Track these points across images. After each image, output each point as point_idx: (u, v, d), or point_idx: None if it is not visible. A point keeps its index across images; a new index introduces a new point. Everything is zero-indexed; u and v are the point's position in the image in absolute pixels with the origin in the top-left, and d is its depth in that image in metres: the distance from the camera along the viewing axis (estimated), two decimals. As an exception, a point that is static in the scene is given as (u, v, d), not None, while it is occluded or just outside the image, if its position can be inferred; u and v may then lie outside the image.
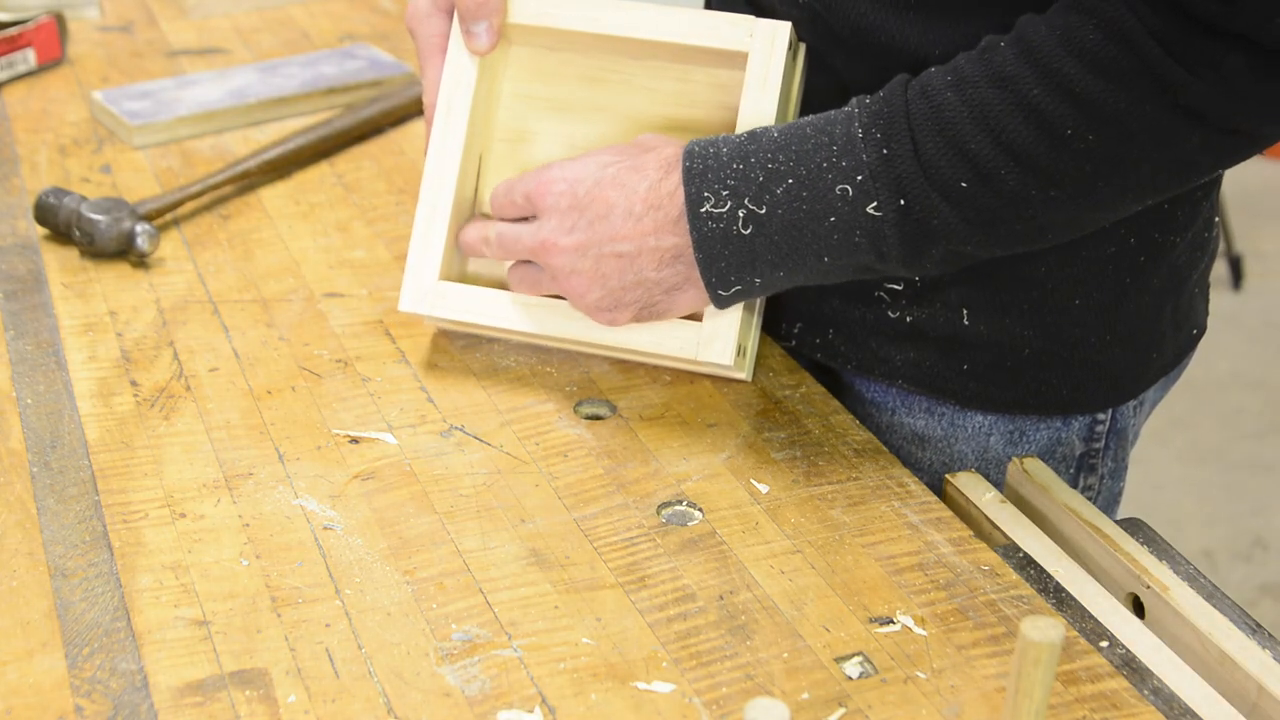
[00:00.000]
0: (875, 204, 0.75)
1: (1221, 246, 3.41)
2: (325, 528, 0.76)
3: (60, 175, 1.15)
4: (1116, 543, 0.78)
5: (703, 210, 0.78)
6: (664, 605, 0.72)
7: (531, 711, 0.65)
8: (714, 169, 0.78)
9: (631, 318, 0.84)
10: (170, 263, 1.02)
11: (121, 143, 1.21)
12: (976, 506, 0.82)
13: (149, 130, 1.20)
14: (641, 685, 0.67)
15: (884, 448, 0.84)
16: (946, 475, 0.85)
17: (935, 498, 0.81)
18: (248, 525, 0.76)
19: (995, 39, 0.75)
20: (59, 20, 1.36)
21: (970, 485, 0.84)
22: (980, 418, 0.91)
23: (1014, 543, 0.79)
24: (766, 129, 0.79)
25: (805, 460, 0.83)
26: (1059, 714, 0.66)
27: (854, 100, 0.78)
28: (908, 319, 0.88)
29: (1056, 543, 0.79)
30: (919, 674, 0.68)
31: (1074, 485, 0.94)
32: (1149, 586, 0.75)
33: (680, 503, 0.79)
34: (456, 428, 0.85)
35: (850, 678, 0.68)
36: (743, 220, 0.77)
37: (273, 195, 1.12)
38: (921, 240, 0.75)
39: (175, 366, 0.90)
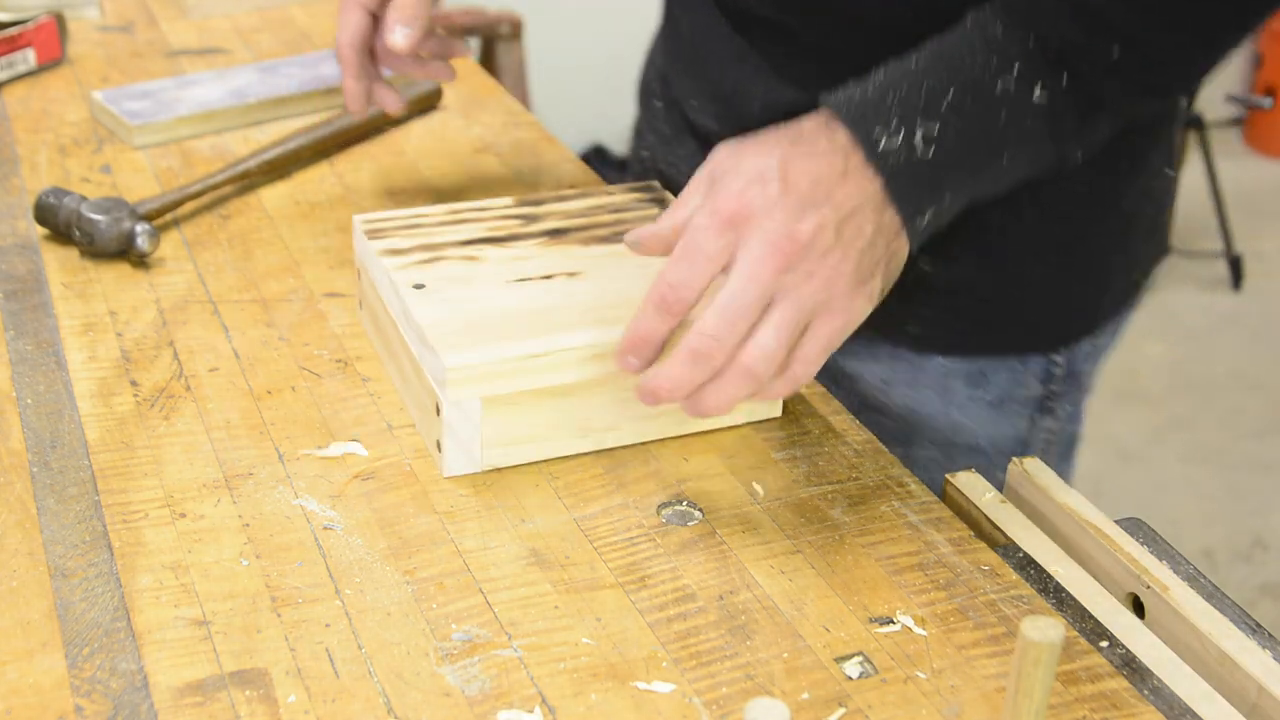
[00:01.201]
0: (1039, 87, 0.75)
1: (1221, 246, 3.42)
2: (325, 528, 0.76)
3: (60, 175, 1.15)
4: (1116, 543, 0.78)
5: (880, 149, 0.74)
6: (664, 605, 0.72)
7: (531, 711, 0.65)
8: (873, 105, 0.75)
9: (880, 287, 0.76)
10: (170, 263, 1.02)
11: (121, 143, 1.21)
12: (976, 506, 0.82)
13: (149, 130, 1.20)
14: (641, 685, 0.67)
15: (884, 448, 0.84)
16: (946, 475, 0.85)
17: (935, 498, 0.81)
18: (248, 525, 0.76)
19: None
20: (59, 20, 1.36)
21: (970, 485, 0.84)
22: (941, 361, 0.94)
23: (1014, 543, 0.79)
24: (898, 62, 0.77)
25: (805, 460, 0.83)
26: (1059, 714, 0.66)
27: (972, 13, 0.77)
28: None
29: (1056, 543, 0.79)
30: (919, 674, 0.68)
31: (1033, 429, 0.98)
32: (1149, 586, 0.75)
33: (680, 503, 0.79)
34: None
35: (850, 678, 0.68)
36: (920, 143, 0.74)
37: (273, 195, 1.12)
38: (1089, 112, 0.76)
39: (175, 366, 0.90)
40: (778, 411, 0.87)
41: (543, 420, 0.81)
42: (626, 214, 0.94)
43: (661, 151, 1.09)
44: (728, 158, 0.76)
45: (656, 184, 0.98)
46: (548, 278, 0.86)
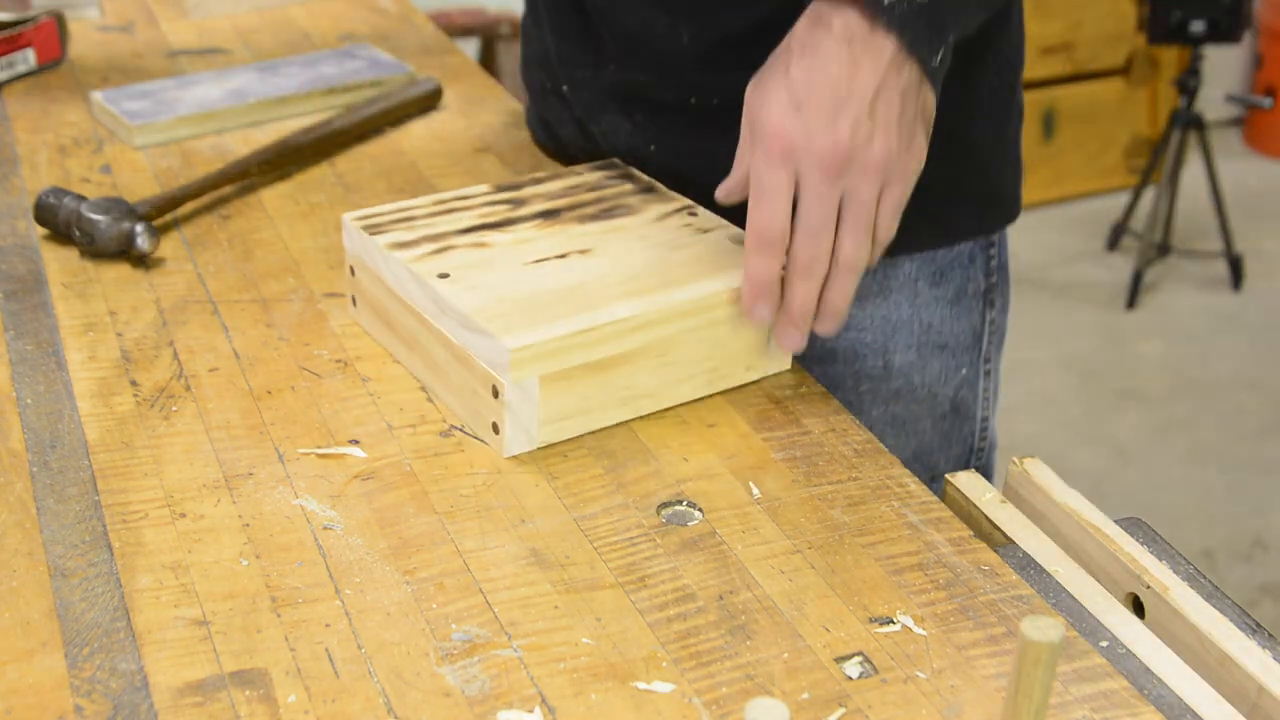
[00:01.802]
0: None
1: (1221, 246, 3.42)
2: (325, 528, 0.76)
3: (60, 175, 1.15)
4: (1116, 543, 0.78)
5: (886, 3, 0.79)
6: (664, 605, 0.72)
7: (531, 711, 0.65)
8: None
9: (922, 141, 0.84)
10: (170, 263, 1.02)
11: (121, 143, 1.21)
12: (976, 506, 0.82)
13: (149, 130, 1.20)
14: (641, 685, 0.67)
15: (884, 448, 0.84)
16: (946, 475, 0.85)
17: (935, 498, 0.81)
18: (248, 525, 0.76)
19: None
20: (59, 20, 1.36)
21: (970, 485, 0.84)
22: (907, 265, 1.04)
23: (1014, 543, 0.79)
24: None
25: (805, 460, 0.83)
26: (1059, 714, 0.66)
27: None
28: None
29: (1056, 543, 0.79)
30: (919, 674, 0.68)
31: (983, 321, 1.10)
32: (1149, 586, 0.75)
33: (680, 503, 0.79)
34: (456, 428, 0.85)
35: (850, 678, 0.68)
36: None
37: (273, 195, 1.12)
38: None
39: (175, 366, 0.90)
40: (787, 363, 0.91)
41: (590, 394, 0.84)
42: (604, 190, 0.98)
43: (573, 133, 1.12)
44: (754, 96, 0.82)
45: (618, 160, 1.03)
46: (562, 257, 0.89)
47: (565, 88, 1.11)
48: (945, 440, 1.12)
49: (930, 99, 0.84)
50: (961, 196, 1.04)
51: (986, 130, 1.04)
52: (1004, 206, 1.08)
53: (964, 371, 1.11)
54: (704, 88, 1.00)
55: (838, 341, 1.05)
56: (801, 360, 0.95)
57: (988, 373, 1.14)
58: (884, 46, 0.80)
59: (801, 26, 0.82)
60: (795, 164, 0.80)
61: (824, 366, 1.05)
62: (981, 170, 1.05)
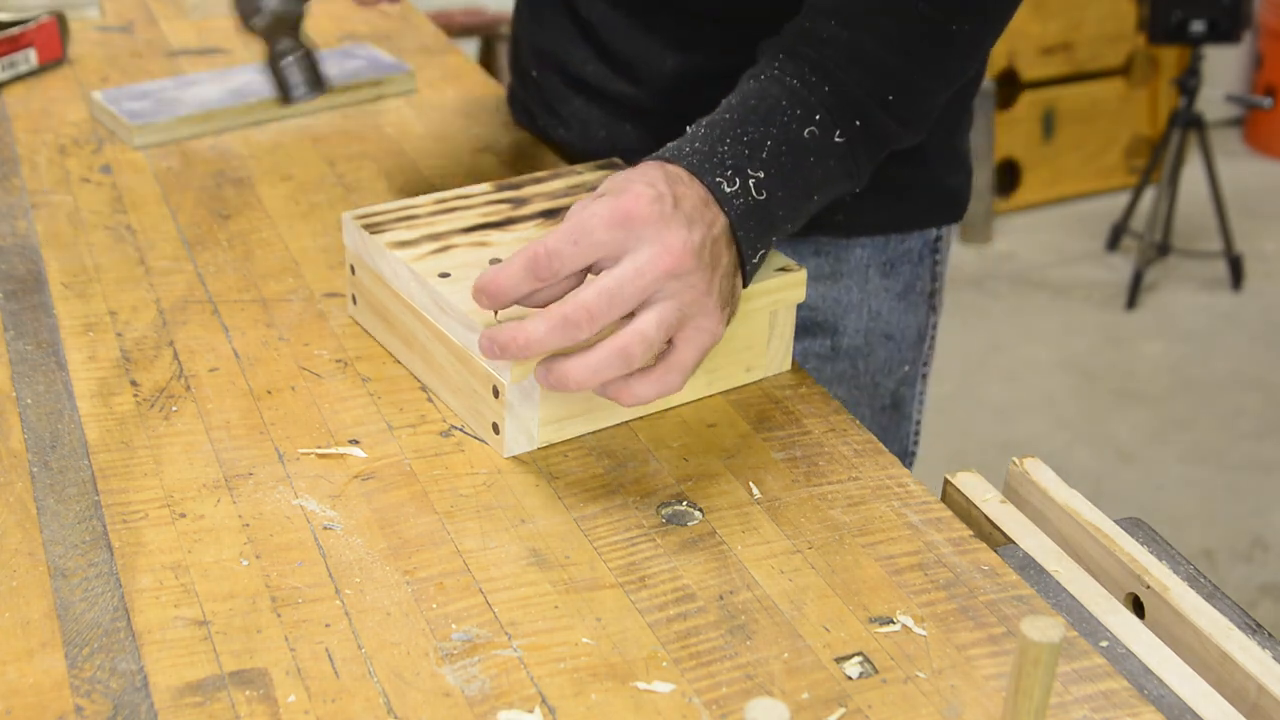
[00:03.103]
0: (839, 131, 0.85)
1: (1221, 246, 3.42)
2: (325, 528, 0.76)
3: (60, 175, 1.15)
4: (1116, 543, 0.78)
5: (726, 192, 0.81)
6: (664, 605, 0.72)
7: (531, 711, 0.65)
8: (706, 156, 0.82)
9: (729, 316, 0.81)
10: (170, 263, 1.02)
11: (121, 143, 1.21)
12: (976, 506, 0.82)
13: (149, 130, 1.20)
14: (642, 685, 0.67)
15: (884, 448, 0.84)
16: (946, 475, 0.85)
17: (935, 498, 0.81)
18: (248, 525, 0.76)
19: None
20: (60, 20, 1.36)
21: (970, 485, 0.84)
22: (860, 251, 1.08)
23: (1014, 543, 0.79)
24: (710, 117, 0.85)
25: (805, 460, 0.83)
26: (1059, 714, 0.66)
27: (760, 65, 0.88)
28: None
29: (1056, 543, 0.79)
30: (919, 674, 0.68)
31: (927, 322, 1.15)
32: (1149, 586, 0.75)
33: (680, 503, 0.79)
34: (456, 428, 0.85)
35: (850, 678, 0.68)
36: (754, 188, 0.82)
37: (273, 195, 1.12)
38: (876, 150, 0.88)
39: (175, 366, 0.90)
40: (787, 365, 0.92)
41: (591, 394, 0.83)
42: None
43: (546, 118, 1.17)
44: (620, 179, 0.79)
45: (619, 160, 1.03)
46: None
47: (535, 73, 1.15)
48: (883, 436, 1.14)
49: (739, 290, 0.82)
50: (911, 189, 1.08)
51: (938, 135, 1.07)
52: (950, 205, 1.12)
53: (907, 368, 1.15)
54: (680, 101, 1.01)
55: None
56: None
57: (924, 376, 1.18)
58: (718, 221, 0.80)
59: (656, 168, 0.80)
60: (632, 236, 0.75)
61: None
62: (929, 168, 1.09)
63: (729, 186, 0.81)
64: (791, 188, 0.84)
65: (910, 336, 1.14)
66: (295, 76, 0.98)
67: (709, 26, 1.03)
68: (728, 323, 0.80)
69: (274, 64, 0.98)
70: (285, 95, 0.99)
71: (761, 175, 0.82)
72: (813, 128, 0.85)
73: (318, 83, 0.99)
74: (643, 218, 0.76)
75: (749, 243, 0.82)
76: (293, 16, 0.97)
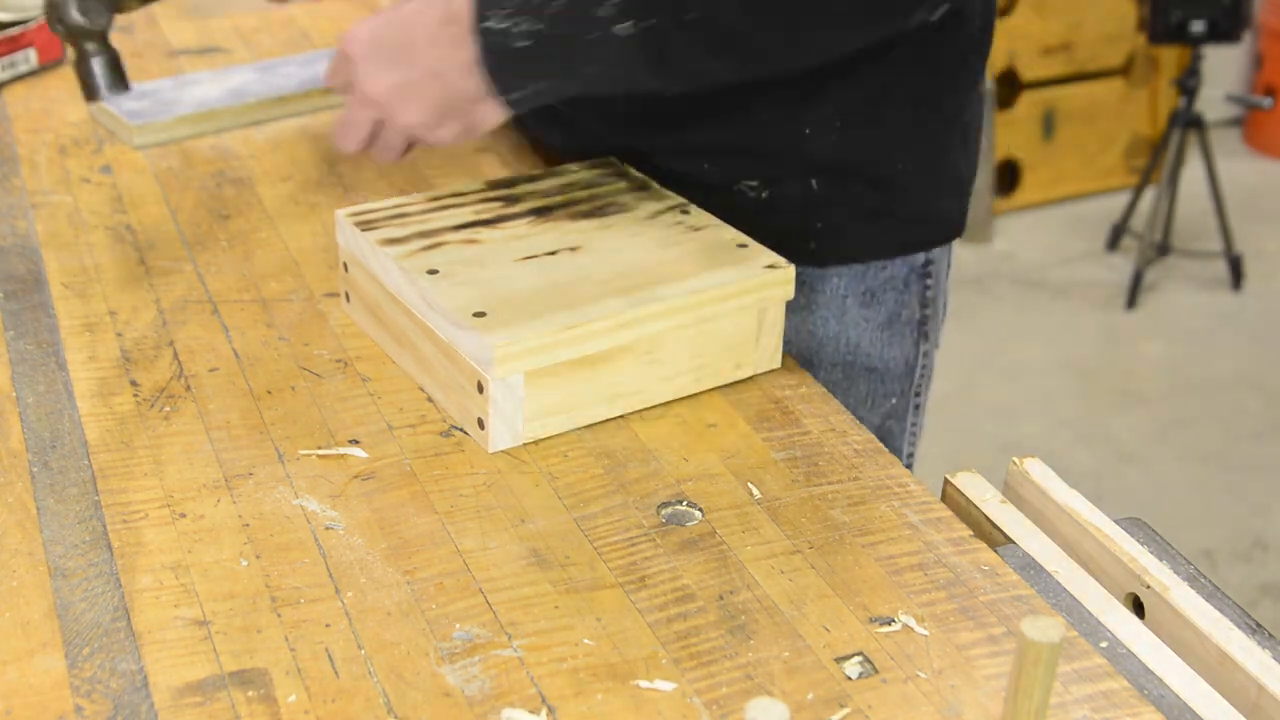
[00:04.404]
0: (631, 22, 0.86)
1: (1221, 246, 3.42)
2: (325, 528, 0.76)
3: (60, 175, 1.15)
4: (1116, 543, 0.78)
5: (484, 25, 0.87)
6: (664, 605, 0.72)
7: (532, 712, 0.65)
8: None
9: (455, 134, 0.93)
10: (170, 263, 1.02)
11: (121, 143, 1.21)
12: (976, 506, 0.82)
13: (149, 130, 1.20)
14: (642, 684, 0.67)
15: (884, 448, 0.84)
16: (946, 475, 0.85)
17: (935, 498, 0.81)
18: (248, 525, 0.76)
19: None
20: (59, 20, 1.36)
21: (970, 485, 0.84)
22: (836, 280, 1.05)
23: (1014, 543, 0.79)
24: None
25: (805, 460, 0.83)
26: (1059, 714, 0.66)
27: None
28: (764, 195, 1.01)
29: (1056, 543, 0.79)
30: (919, 674, 0.68)
31: (916, 352, 1.10)
32: (1149, 586, 0.75)
33: (680, 503, 0.79)
34: (456, 428, 0.85)
35: (850, 678, 0.68)
36: (521, 34, 0.87)
37: (273, 195, 1.12)
38: (664, 55, 0.87)
39: (175, 366, 0.90)
40: (777, 362, 0.91)
41: (576, 389, 0.84)
42: (598, 188, 0.99)
43: (534, 123, 1.18)
44: (362, 23, 0.92)
45: (614, 159, 1.04)
46: (553, 254, 0.90)
47: None
48: None
49: (488, 114, 0.92)
50: (886, 215, 1.04)
51: (914, 158, 1.03)
52: (939, 227, 1.07)
53: (893, 401, 1.11)
54: (678, 101, 1.01)
55: None
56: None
57: (917, 407, 1.13)
58: (464, 50, 0.88)
59: None
60: (352, 71, 0.93)
61: None
62: (907, 192, 1.04)
63: (494, 23, 0.87)
64: (565, 52, 0.87)
65: (896, 369, 1.09)
66: (97, 80, 1.06)
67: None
68: (457, 139, 0.93)
69: (78, 65, 1.06)
70: (88, 94, 1.07)
71: (539, 27, 0.86)
72: (606, 5, 0.86)
73: (120, 83, 1.07)
74: (356, 55, 0.92)
75: (501, 80, 0.88)
76: (97, 27, 1.04)
